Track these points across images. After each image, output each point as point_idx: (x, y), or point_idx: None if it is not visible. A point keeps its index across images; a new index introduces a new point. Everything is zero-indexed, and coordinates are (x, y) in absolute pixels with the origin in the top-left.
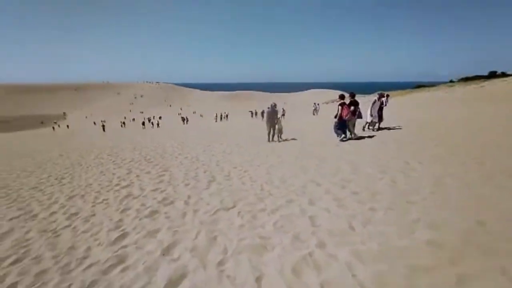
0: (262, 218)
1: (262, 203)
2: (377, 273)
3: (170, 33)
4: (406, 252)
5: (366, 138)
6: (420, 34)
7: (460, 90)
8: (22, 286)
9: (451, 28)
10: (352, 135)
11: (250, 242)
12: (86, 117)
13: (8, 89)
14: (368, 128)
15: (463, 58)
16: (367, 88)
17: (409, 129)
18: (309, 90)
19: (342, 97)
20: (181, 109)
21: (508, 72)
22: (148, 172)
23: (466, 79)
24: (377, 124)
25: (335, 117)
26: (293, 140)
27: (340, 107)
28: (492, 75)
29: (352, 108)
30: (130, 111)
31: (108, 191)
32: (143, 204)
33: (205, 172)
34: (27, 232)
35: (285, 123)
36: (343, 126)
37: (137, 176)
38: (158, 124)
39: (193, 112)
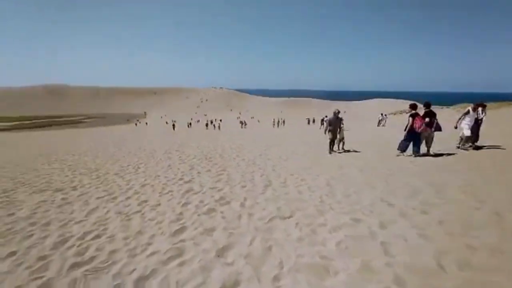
0: (323, 234)
1: (322, 217)
2: None
3: (233, 39)
4: None
5: (450, 156)
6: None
7: None
8: (98, 261)
9: None
10: (429, 151)
11: (310, 260)
12: (161, 117)
13: (103, 91)
14: (463, 145)
15: None
16: (441, 98)
17: None
18: (373, 100)
19: (413, 106)
20: (240, 113)
21: None
22: (208, 170)
23: None
24: (469, 141)
25: (405, 128)
26: (356, 152)
27: (411, 118)
28: None
29: (427, 119)
30: (196, 113)
31: (173, 184)
32: (201, 201)
33: (261, 176)
34: (107, 212)
35: (345, 133)
36: (413, 139)
37: (198, 173)
38: (219, 127)
39: (251, 117)
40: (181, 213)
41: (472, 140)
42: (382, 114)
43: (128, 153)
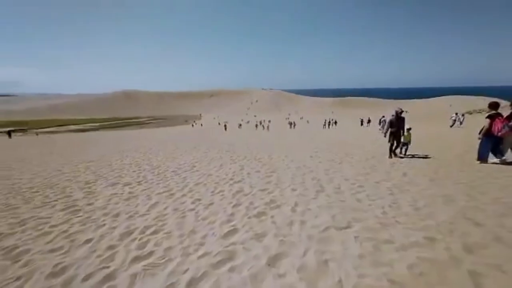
0: (390, 253)
1: (387, 232)
2: None
3: (280, 42)
4: None
5: None
6: None
7: None
8: (155, 257)
9: None
10: (504, 157)
11: (375, 283)
12: (214, 118)
13: (167, 95)
14: None
15: None
16: None
17: None
18: (439, 97)
19: (494, 105)
20: (289, 114)
21: None
22: (258, 171)
23: None
24: None
25: (480, 132)
26: (423, 158)
27: (489, 119)
28: None
29: None
30: (247, 114)
31: (224, 184)
32: (251, 203)
33: (312, 179)
34: (165, 208)
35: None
36: (492, 144)
37: (248, 173)
38: (268, 127)
39: (300, 118)
40: (232, 214)
41: None
42: (456, 114)
43: (184, 151)
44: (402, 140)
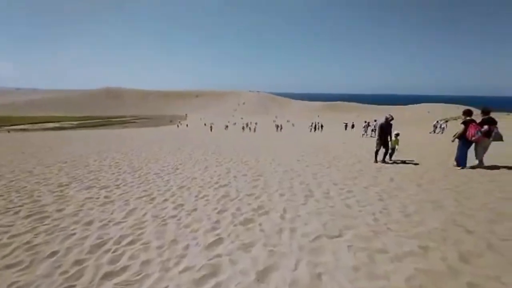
0: (385, 264)
1: (379, 241)
2: None
3: (273, 46)
4: None
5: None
6: None
7: None
8: (130, 273)
9: None
10: (478, 162)
11: None
12: (201, 118)
13: (151, 94)
14: None
15: None
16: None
17: None
18: (420, 104)
19: (468, 113)
20: (276, 117)
21: None
22: (245, 175)
23: None
24: None
25: (454, 135)
26: (408, 164)
27: (463, 125)
28: None
29: (485, 127)
30: (233, 116)
31: (209, 188)
32: (238, 209)
33: (300, 184)
34: (144, 215)
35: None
36: (465, 148)
37: (234, 177)
38: (254, 129)
39: (287, 121)
40: (217, 221)
41: None
42: (438, 121)
43: (168, 152)
44: (390, 145)
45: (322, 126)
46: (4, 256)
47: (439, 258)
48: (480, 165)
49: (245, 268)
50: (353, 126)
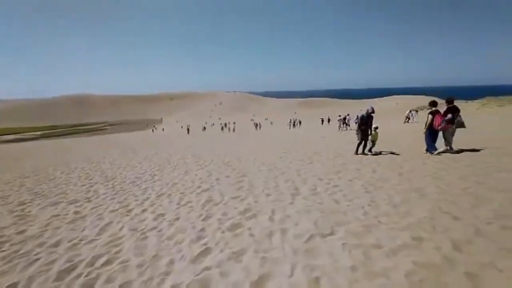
0: (381, 260)
1: (372, 236)
2: None
3: (244, 45)
4: None
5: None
6: None
7: None
8: None
9: None
10: (449, 147)
11: None
12: (177, 121)
13: (123, 99)
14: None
15: None
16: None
17: None
18: (391, 97)
19: (433, 104)
20: (254, 115)
21: None
22: (228, 176)
23: None
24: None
25: (424, 127)
26: (386, 154)
27: (430, 115)
28: None
29: (449, 116)
30: (210, 116)
31: (191, 193)
32: (224, 213)
33: (286, 182)
34: (121, 229)
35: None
36: (434, 137)
37: (217, 179)
38: (233, 129)
39: (265, 119)
40: (202, 229)
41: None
42: (410, 111)
43: (144, 158)
44: (370, 138)
45: (300, 122)
46: None
47: (433, 249)
48: (450, 150)
49: (238, 281)
50: (329, 121)
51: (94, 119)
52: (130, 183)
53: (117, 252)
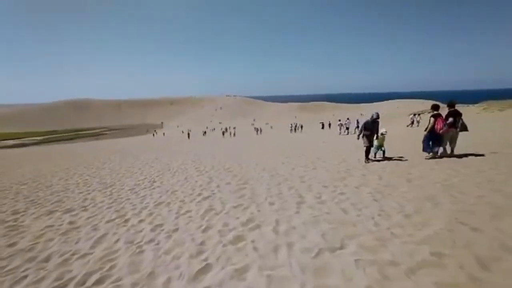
0: (400, 280)
1: (387, 251)
2: None
3: (245, 49)
4: None
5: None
6: None
7: None
8: None
9: None
10: (451, 151)
11: None
12: (178, 126)
13: (124, 103)
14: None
15: None
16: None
17: None
18: (388, 101)
19: (435, 107)
20: (254, 120)
21: None
22: (229, 183)
23: None
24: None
25: (425, 130)
26: (391, 159)
27: (432, 119)
28: None
29: (450, 119)
30: (211, 121)
31: (191, 201)
32: (225, 224)
33: (289, 189)
34: (116, 241)
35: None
36: (437, 140)
37: (218, 186)
38: (234, 134)
39: (266, 123)
40: (202, 242)
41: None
42: (414, 115)
43: (144, 164)
44: (375, 143)
45: (301, 126)
46: None
47: (456, 267)
48: (444, 153)
49: None
50: (329, 125)
51: (94, 124)
52: (129, 190)
53: (110, 269)
